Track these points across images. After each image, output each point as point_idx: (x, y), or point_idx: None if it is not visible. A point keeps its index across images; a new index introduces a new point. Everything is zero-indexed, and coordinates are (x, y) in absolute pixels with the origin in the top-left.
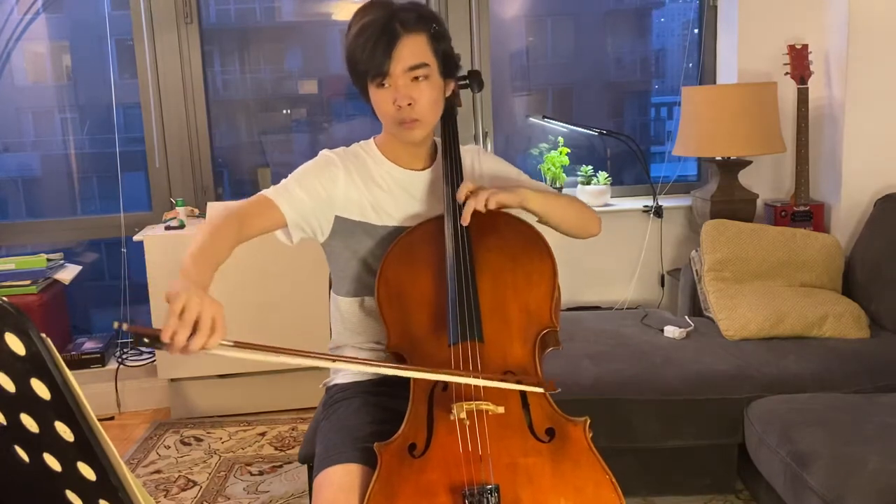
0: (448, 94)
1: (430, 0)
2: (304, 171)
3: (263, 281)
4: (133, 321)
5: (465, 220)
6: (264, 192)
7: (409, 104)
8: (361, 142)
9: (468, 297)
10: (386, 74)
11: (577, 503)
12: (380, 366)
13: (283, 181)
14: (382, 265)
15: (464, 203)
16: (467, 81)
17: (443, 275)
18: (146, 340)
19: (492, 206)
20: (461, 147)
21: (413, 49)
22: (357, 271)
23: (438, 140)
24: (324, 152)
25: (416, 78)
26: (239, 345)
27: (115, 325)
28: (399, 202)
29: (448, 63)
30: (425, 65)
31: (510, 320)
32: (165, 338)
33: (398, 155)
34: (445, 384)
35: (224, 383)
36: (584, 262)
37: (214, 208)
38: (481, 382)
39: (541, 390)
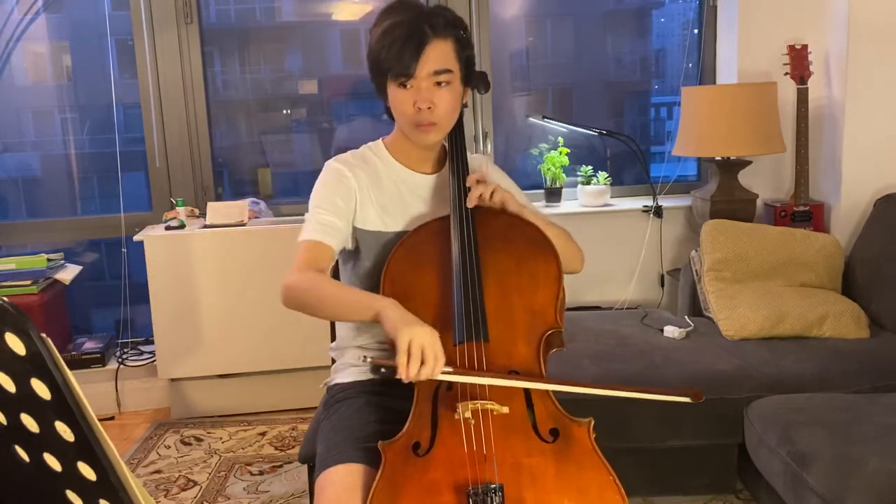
0: (465, 100)
1: (429, 0)
2: (321, 193)
3: (265, 284)
4: (373, 358)
5: (472, 202)
6: (305, 236)
7: (429, 108)
8: (370, 143)
9: (474, 297)
10: (411, 76)
11: None
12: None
13: (310, 215)
14: (388, 264)
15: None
16: (474, 83)
17: (448, 274)
18: (383, 371)
19: (497, 199)
20: (472, 155)
21: (440, 54)
22: (364, 277)
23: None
24: (330, 164)
25: (439, 83)
26: (456, 371)
27: (362, 358)
28: (406, 205)
29: (470, 70)
30: (449, 71)
31: (515, 321)
32: (402, 372)
33: (408, 157)
34: (450, 383)
35: (224, 383)
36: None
37: (214, 208)
38: (621, 394)
39: (687, 399)
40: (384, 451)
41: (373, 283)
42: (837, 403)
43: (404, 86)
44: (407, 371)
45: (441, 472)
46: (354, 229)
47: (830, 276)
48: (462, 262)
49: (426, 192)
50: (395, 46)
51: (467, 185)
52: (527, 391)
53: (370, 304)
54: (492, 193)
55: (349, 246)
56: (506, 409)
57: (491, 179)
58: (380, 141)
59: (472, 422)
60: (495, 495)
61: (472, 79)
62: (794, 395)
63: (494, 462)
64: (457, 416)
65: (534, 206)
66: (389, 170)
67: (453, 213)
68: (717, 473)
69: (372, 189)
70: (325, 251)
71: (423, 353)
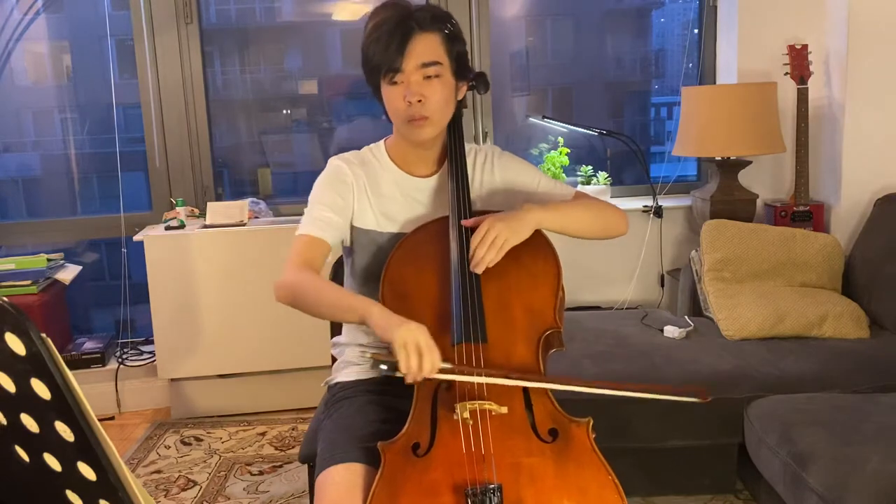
0: (460, 97)
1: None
2: (321, 188)
3: (265, 284)
4: (373, 354)
5: (479, 268)
6: (301, 230)
7: (420, 101)
8: (372, 144)
9: (472, 297)
10: (398, 70)
11: None
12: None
13: (309, 209)
14: (387, 265)
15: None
16: (473, 83)
17: (447, 275)
18: (384, 367)
19: (501, 255)
20: (476, 146)
21: (426, 46)
22: (362, 277)
23: None
24: (333, 161)
25: (429, 77)
26: (456, 369)
27: (368, 355)
28: (404, 207)
29: (461, 64)
30: (438, 63)
31: (514, 321)
32: (403, 368)
33: (407, 159)
34: (449, 383)
35: (224, 383)
36: (584, 262)
37: (214, 208)
38: (628, 394)
39: (695, 399)
40: (384, 452)
41: (366, 282)
42: (837, 403)
43: (395, 82)
44: (408, 365)
45: (440, 472)
46: (352, 228)
47: (830, 276)
48: (461, 262)
49: (423, 196)
50: (382, 42)
51: (466, 227)
52: (525, 391)
53: (355, 306)
54: (493, 239)
55: (346, 242)
56: (504, 410)
57: (499, 180)
58: (381, 142)
59: (471, 422)
60: (494, 495)
61: (466, 74)
62: (794, 395)
63: (493, 462)
64: (455, 417)
65: (556, 185)
66: (387, 172)
67: (452, 214)
68: (717, 473)
69: (370, 189)
70: (320, 247)
71: (418, 349)
